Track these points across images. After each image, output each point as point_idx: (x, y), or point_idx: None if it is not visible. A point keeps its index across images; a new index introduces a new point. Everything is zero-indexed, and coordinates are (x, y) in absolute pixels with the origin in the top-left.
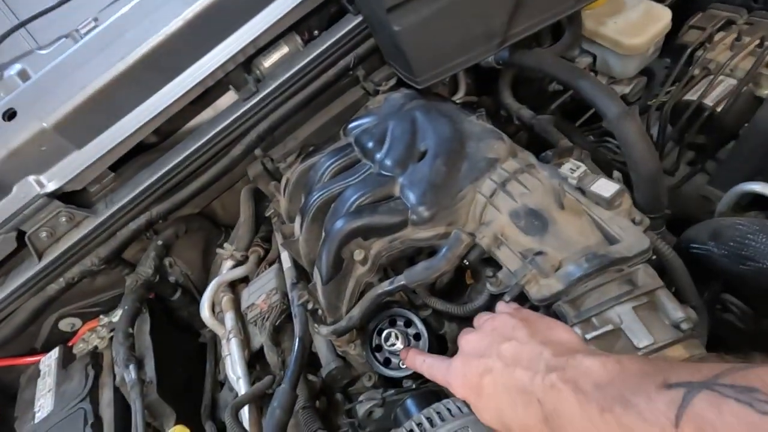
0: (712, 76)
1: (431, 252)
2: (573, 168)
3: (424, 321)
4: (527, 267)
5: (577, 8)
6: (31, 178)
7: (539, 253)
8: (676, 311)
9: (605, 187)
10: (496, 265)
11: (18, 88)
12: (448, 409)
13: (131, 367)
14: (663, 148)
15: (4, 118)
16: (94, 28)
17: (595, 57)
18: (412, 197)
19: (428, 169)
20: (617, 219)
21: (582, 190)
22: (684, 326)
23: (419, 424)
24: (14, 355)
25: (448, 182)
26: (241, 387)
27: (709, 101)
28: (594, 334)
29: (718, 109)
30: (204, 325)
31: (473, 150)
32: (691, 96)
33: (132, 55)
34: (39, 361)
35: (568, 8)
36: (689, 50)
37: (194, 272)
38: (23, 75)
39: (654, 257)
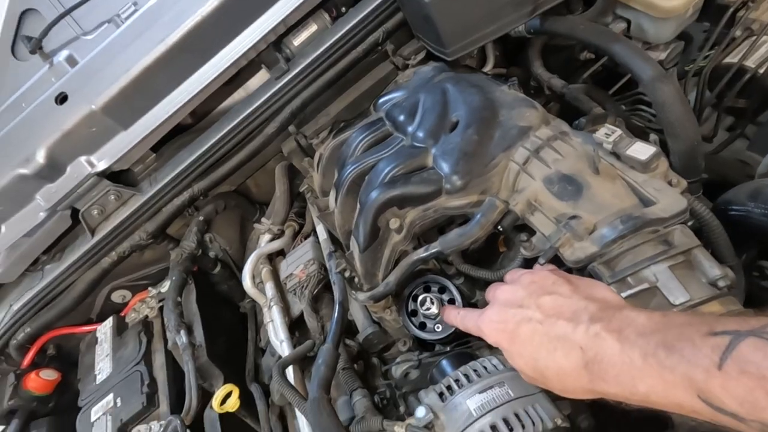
0: (754, 37)
1: (463, 221)
2: (608, 133)
3: (457, 288)
4: (561, 231)
5: None
6: (83, 159)
7: (573, 217)
8: (713, 269)
9: (641, 150)
10: (530, 232)
11: (67, 74)
12: (484, 367)
13: (182, 332)
14: (701, 114)
15: (56, 102)
16: (134, 12)
17: (629, 22)
18: (445, 167)
19: (460, 139)
20: (653, 182)
21: (617, 155)
22: (721, 283)
23: (456, 380)
24: (74, 324)
25: (481, 151)
26: (285, 350)
27: (750, 63)
28: (629, 292)
29: (761, 71)
30: (243, 298)
31: (505, 119)
32: (732, 59)
33: (170, 37)
34: (96, 329)
35: None
36: (731, 10)
37: (232, 248)
38: (71, 60)
39: (691, 221)
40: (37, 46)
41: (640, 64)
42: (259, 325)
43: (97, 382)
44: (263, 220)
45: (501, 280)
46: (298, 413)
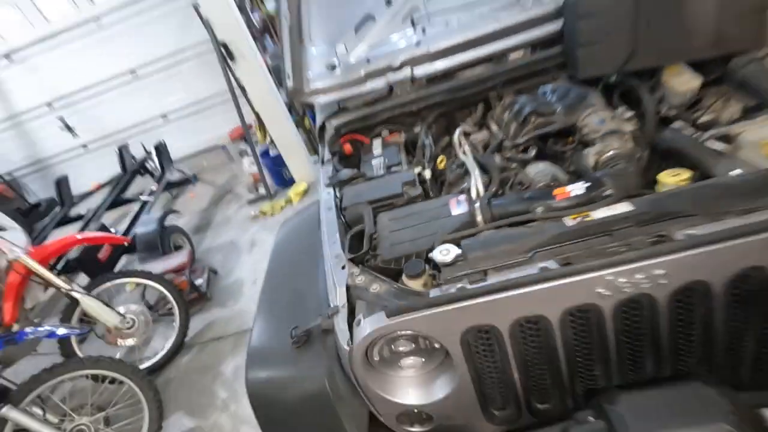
0: None
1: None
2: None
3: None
4: (593, 129)
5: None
6: (409, 68)
7: None
8: None
9: None
10: None
11: (422, 35)
12: None
13: (428, 137)
14: None
15: (415, 46)
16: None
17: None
18: (559, 108)
19: (570, 101)
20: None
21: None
22: None
23: None
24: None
25: (576, 106)
26: None
27: None
28: None
29: None
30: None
31: (590, 100)
32: None
33: (466, 36)
34: (372, 142)
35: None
36: None
37: (438, 132)
38: (424, 31)
39: None
40: (413, 23)
41: None
42: None
43: (375, 162)
44: (465, 121)
45: None
46: None
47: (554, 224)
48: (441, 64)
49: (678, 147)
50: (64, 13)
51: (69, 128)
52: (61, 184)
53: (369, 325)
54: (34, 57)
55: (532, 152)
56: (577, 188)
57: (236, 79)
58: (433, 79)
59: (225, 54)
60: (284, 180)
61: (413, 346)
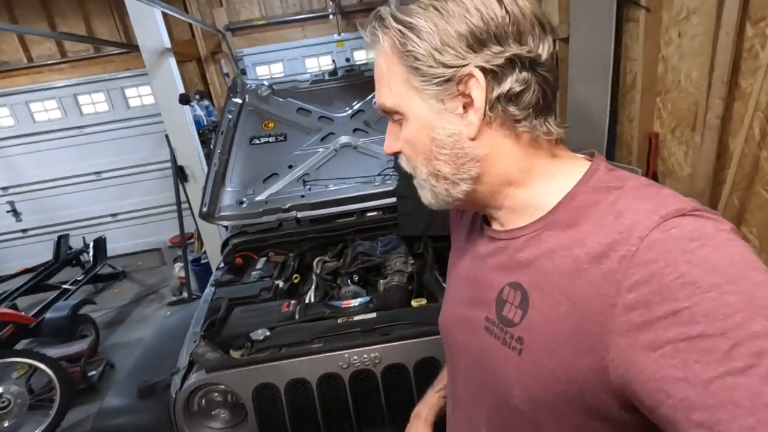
0: None
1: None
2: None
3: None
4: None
5: None
6: (295, 212)
7: None
8: None
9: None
10: None
11: (308, 192)
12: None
13: (291, 265)
14: None
15: (300, 197)
16: (334, 188)
17: None
18: (378, 251)
19: (386, 249)
20: None
21: None
22: None
23: None
24: (252, 253)
25: (389, 252)
26: None
27: None
28: None
29: None
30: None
31: (398, 250)
32: None
33: (339, 196)
34: (258, 259)
35: None
36: None
37: (311, 259)
38: (309, 190)
39: None
40: (305, 183)
41: None
42: None
43: (255, 270)
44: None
45: None
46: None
47: (332, 321)
48: (317, 212)
49: (427, 284)
50: (52, 118)
51: (15, 212)
52: None
53: (193, 378)
54: (8, 146)
55: (355, 278)
56: (356, 301)
57: (186, 197)
58: (312, 221)
59: (180, 175)
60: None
61: (223, 400)
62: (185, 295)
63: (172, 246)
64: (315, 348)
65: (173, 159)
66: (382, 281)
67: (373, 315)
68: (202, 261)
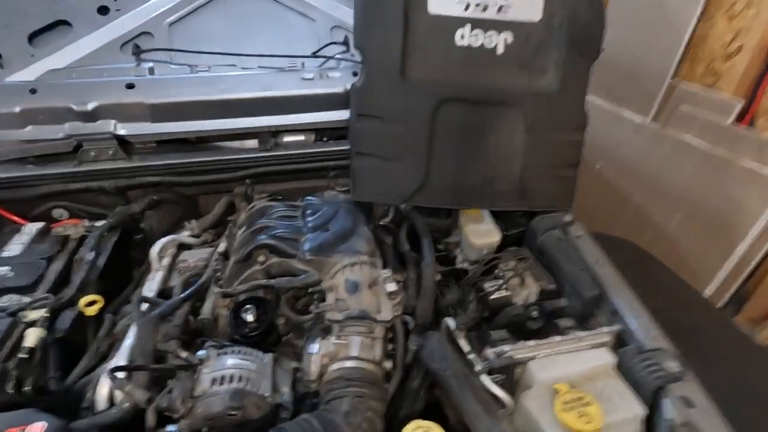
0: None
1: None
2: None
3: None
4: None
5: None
6: (113, 121)
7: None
8: None
9: (390, 285)
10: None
11: (144, 75)
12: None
13: (93, 252)
14: None
15: (125, 87)
16: (207, 70)
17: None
18: (306, 245)
19: (324, 238)
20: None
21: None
22: None
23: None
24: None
25: (329, 249)
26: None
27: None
28: None
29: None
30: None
31: (353, 242)
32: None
33: (215, 96)
34: (25, 224)
35: (454, 205)
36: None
37: (160, 230)
38: (151, 70)
39: None
40: (137, 53)
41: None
42: (141, 285)
43: (2, 255)
44: (192, 221)
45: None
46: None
47: None
48: (167, 127)
49: (444, 382)
50: None
51: None
52: None
53: None
54: None
55: (249, 316)
56: None
57: None
58: (159, 144)
59: None
60: None
61: None
62: None
63: None
64: None
65: None
66: (315, 359)
67: None
68: None
